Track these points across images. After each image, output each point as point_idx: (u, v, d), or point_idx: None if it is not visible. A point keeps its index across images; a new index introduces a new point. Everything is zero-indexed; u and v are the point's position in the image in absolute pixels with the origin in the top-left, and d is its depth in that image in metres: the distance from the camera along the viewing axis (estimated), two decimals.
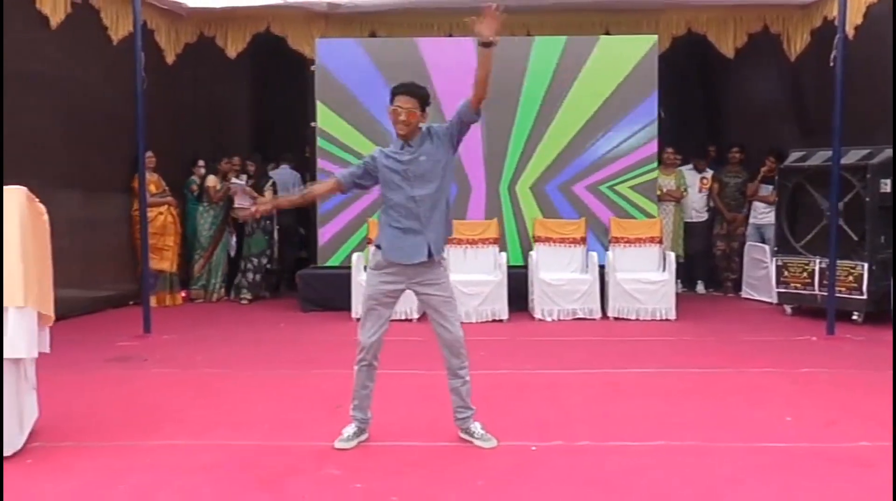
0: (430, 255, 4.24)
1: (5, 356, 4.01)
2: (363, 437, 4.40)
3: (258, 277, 10.28)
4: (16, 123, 7.85)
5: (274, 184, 10.37)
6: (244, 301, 10.09)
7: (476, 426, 4.35)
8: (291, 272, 11.03)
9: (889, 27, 8.38)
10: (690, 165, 10.65)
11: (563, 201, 9.41)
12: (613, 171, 9.40)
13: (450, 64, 9.14)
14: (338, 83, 9.44)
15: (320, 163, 9.50)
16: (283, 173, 11.06)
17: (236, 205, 10.15)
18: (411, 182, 4.23)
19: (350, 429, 4.36)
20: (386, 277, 4.31)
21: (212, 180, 10.23)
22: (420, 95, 4.23)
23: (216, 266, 10.33)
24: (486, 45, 4.20)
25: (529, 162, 9.43)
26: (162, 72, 10.21)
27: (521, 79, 9.35)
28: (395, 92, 4.22)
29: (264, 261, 10.32)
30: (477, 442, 4.28)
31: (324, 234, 9.58)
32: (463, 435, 4.37)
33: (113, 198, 9.54)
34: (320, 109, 9.49)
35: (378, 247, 4.37)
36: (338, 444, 4.28)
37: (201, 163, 10.31)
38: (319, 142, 9.52)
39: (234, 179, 10.21)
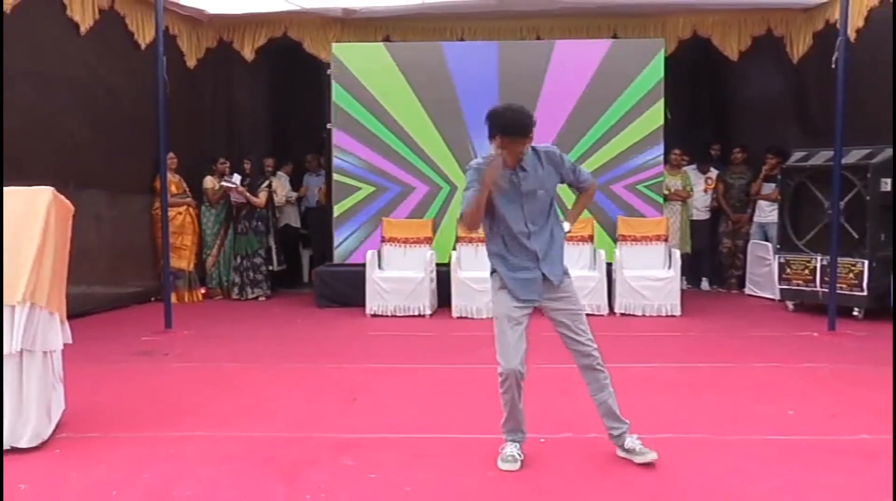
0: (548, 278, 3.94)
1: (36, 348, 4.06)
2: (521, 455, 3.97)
3: (258, 275, 10.16)
4: (48, 124, 7.98)
5: (269, 185, 10.34)
6: (261, 298, 10.10)
7: (633, 441, 3.93)
8: (290, 273, 11.07)
9: (890, 30, 8.34)
10: (695, 166, 10.63)
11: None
12: (622, 171, 9.40)
13: (472, 68, 9.18)
14: (354, 87, 9.47)
15: (335, 163, 9.54)
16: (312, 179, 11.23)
17: (233, 201, 10.16)
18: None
19: (515, 449, 3.95)
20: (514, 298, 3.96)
21: (209, 182, 10.21)
22: (531, 129, 3.79)
23: (227, 264, 10.32)
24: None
25: None
26: (184, 76, 10.29)
27: (540, 82, 9.31)
28: (511, 131, 3.73)
29: (258, 261, 10.16)
30: (637, 459, 3.86)
31: (340, 232, 9.60)
32: (620, 454, 3.96)
33: (137, 198, 9.61)
34: (335, 111, 9.52)
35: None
36: (506, 466, 3.85)
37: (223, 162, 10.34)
38: (335, 146, 9.55)
39: (224, 180, 10.13)
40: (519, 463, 3.85)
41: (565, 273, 4.02)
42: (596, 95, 9.33)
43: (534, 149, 3.88)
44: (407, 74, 9.39)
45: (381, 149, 9.47)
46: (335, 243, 9.65)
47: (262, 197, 10.13)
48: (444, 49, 9.51)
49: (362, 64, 9.50)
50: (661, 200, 9.55)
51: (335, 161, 9.57)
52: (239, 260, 10.14)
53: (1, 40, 7.11)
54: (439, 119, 9.39)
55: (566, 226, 4.10)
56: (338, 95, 9.50)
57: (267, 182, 10.33)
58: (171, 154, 9.10)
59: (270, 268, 10.29)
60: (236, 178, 10.08)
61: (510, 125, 3.74)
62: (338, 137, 9.54)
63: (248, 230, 10.13)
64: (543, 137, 9.10)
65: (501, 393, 3.88)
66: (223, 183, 10.07)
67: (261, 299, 10.09)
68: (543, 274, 3.90)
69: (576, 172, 4.07)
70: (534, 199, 3.88)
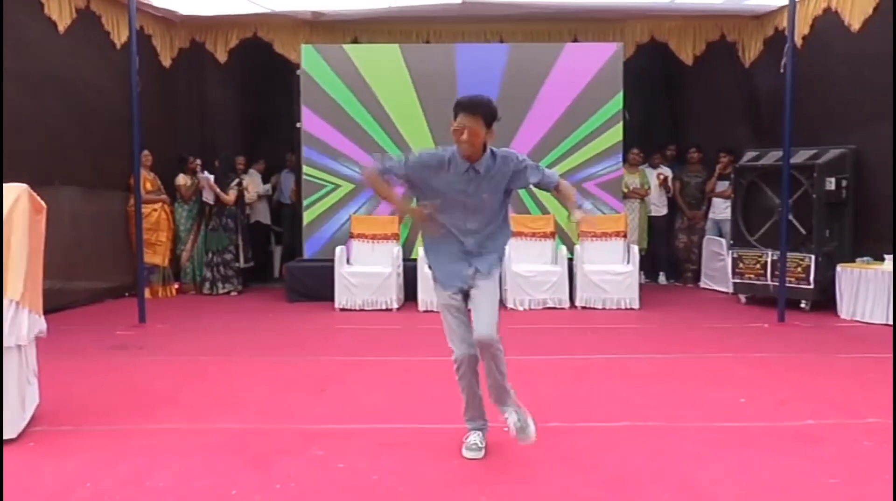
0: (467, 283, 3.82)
1: (10, 343, 3.99)
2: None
3: (229, 271, 10.09)
4: (29, 122, 7.85)
5: (240, 183, 10.25)
6: (233, 293, 10.02)
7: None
8: (261, 269, 11.00)
9: (833, 37, 8.49)
10: (646, 164, 10.73)
11: (534, 197, 9.44)
12: (582, 170, 9.44)
13: (433, 70, 9.17)
14: (323, 87, 9.42)
15: (305, 158, 9.50)
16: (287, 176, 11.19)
17: (204, 198, 10.07)
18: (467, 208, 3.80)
19: (480, 437, 3.94)
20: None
21: (181, 179, 10.10)
22: (483, 111, 3.63)
23: (199, 259, 10.21)
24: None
25: None
26: (160, 75, 10.19)
27: (497, 84, 9.33)
28: (459, 105, 3.64)
29: (228, 257, 10.08)
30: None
31: (310, 228, 9.55)
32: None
33: (114, 194, 9.48)
34: (305, 111, 9.47)
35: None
36: (469, 454, 3.84)
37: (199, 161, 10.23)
38: (304, 144, 9.50)
39: (201, 174, 10.04)
40: (482, 452, 3.86)
41: (494, 264, 3.86)
42: (553, 97, 9.37)
43: (493, 151, 3.78)
44: (371, 75, 9.35)
45: (348, 147, 9.42)
46: (304, 238, 9.60)
47: (231, 195, 10.03)
48: (403, 51, 9.45)
49: (331, 65, 9.45)
50: (619, 198, 9.62)
51: (305, 158, 9.51)
52: (210, 256, 10.05)
53: (1, 44, 7.01)
54: (400, 119, 9.37)
55: (577, 214, 3.88)
56: (307, 94, 9.45)
57: (237, 180, 10.24)
58: (145, 152, 9.02)
59: (237, 265, 10.20)
60: (208, 175, 9.99)
61: (460, 101, 3.66)
62: (307, 136, 9.48)
63: (218, 227, 10.05)
64: (505, 138, 9.27)
65: (458, 380, 3.85)
66: (201, 176, 9.98)
67: (232, 294, 10.02)
68: (476, 268, 3.79)
69: (540, 171, 3.94)
70: (479, 201, 3.77)
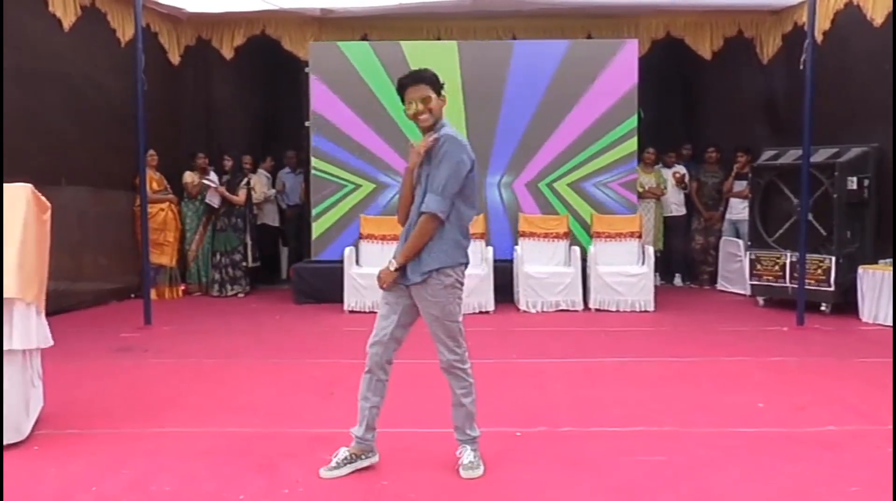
0: (404, 274, 3.61)
1: (11, 347, 4.01)
2: (358, 463, 3.71)
3: (237, 272, 10.13)
4: (34, 120, 7.91)
5: (248, 183, 10.29)
6: (240, 295, 10.06)
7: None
8: (269, 270, 11.02)
9: (854, 32, 8.44)
10: (661, 163, 10.71)
11: (548, 197, 9.44)
12: (596, 169, 9.43)
13: (436, 66, 9.16)
14: (332, 84, 9.44)
15: (314, 160, 9.52)
16: (288, 176, 11.23)
17: (206, 200, 10.08)
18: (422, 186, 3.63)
19: (341, 453, 3.73)
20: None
21: (188, 177, 10.15)
22: (428, 78, 3.57)
23: (206, 260, 10.25)
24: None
25: (516, 160, 9.45)
26: (167, 73, 10.25)
27: (504, 81, 9.36)
28: (402, 85, 3.60)
29: (237, 258, 10.13)
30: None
31: (318, 229, 9.57)
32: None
33: (120, 194, 9.53)
34: (313, 108, 9.50)
35: None
36: (324, 473, 3.65)
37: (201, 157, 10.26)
38: (313, 143, 9.53)
39: (204, 178, 10.06)
40: (338, 472, 3.66)
41: (427, 274, 3.56)
42: (569, 94, 9.37)
43: (440, 130, 3.60)
44: (378, 73, 9.36)
45: (357, 146, 9.44)
46: (313, 239, 9.63)
47: (241, 195, 10.08)
48: (404, 49, 9.38)
49: (339, 62, 9.46)
50: (633, 198, 9.59)
51: (313, 158, 9.54)
52: (218, 257, 10.09)
53: (1, 42, 7.05)
54: (401, 117, 9.33)
55: (392, 263, 3.61)
56: (316, 92, 9.47)
57: (246, 180, 10.28)
58: (151, 151, 9.06)
59: (246, 265, 10.22)
60: (213, 177, 10.02)
61: (400, 79, 3.62)
62: (316, 134, 9.50)
63: (226, 227, 10.09)
64: (509, 136, 9.25)
65: (363, 379, 3.80)
66: (204, 181, 10.01)
67: (240, 295, 10.05)
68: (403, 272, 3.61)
69: (438, 178, 3.52)
70: (423, 181, 3.61)
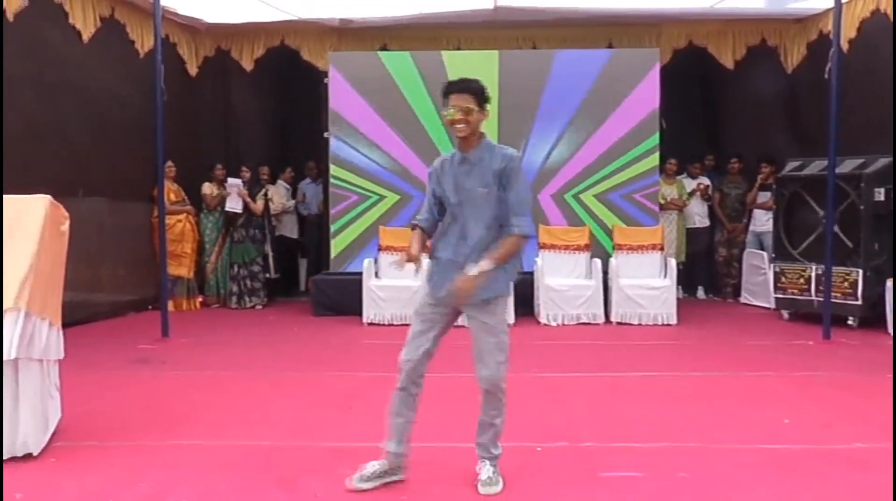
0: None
1: (31, 355, 4.04)
2: (389, 478, 3.73)
3: (255, 284, 10.16)
4: (52, 131, 8.01)
5: (266, 193, 10.34)
6: (258, 307, 10.11)
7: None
8: (287, 282, 11.05)
9: (882, 40, 8.38)
10: (685, 174, 10.67)
11: (569, 208, 9.44)
12: (618, 180, 9.42)
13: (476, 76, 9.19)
14: (351, 95, 9.49)
15: (333, 171, 9.56)
16: (308, 187, 11.29)
17: (227, 208, 10.11)
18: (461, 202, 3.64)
19: (373, 466, 3.74)
20: (429, 297, 3.74)
21: (207, 187, 10.22)
22: (474, 89, 3.58)
23: (224, 272, 10.28)
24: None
25: (544, 172, 9.49)
26: (186, 84, 10.32)
27: (538, 92, 9.40)
28: (447, 90, 3.61)
29: (256, 269, 10.16)
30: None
31: (337, 241, 9.61)
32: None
33: (138, 205, 9.62)
34: (333, 119, 9.55)
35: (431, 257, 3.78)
36: (355, 483, 3.67)
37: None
38: (332, 154, 9.57)
39: (230, 180, 10.10)
40: (372, 483, 3.67)
41: (486, 300, 3.60)
42: (591, 105, 9.39)
43: (491, 144, 3.66)
44: (403, 83, 9.42)
45: (378, 157, 9.50)
46: (332, 251, 9.66)
47: (259, 205, 10.14)
48: (443, 58, 9.50)
49: (359, 72, 9.53)
50: (656, 209, 9.57)
51: (332, 169, 9.59)
52: (236, 269, 10.13)
53: (1, 47, 7.14)
54: (434, 128, 9.39)
55: (471, 268, 3.50)
56: (335, 102, 9.53)
57: (264, 190, 10.33)
58: (169, 162, 9.11)
59: (268, 276, 10.26)
60: (239, 181, 10.09)
61: (448, 83, 3.65)
62: (335, 145, 9.55)
63: (244, 239, 10.13)
64: (540, 148, 9.27)
65: (394, 390, 3.80)
66: (229, 183, 10.04)
67: (258, 307, 10.09)
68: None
69: (514, 196, 3.57)
70: (473, 197, 3.59)
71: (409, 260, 3.69)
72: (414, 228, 3.86)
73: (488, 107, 3.65)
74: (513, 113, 9.27)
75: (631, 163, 9.40)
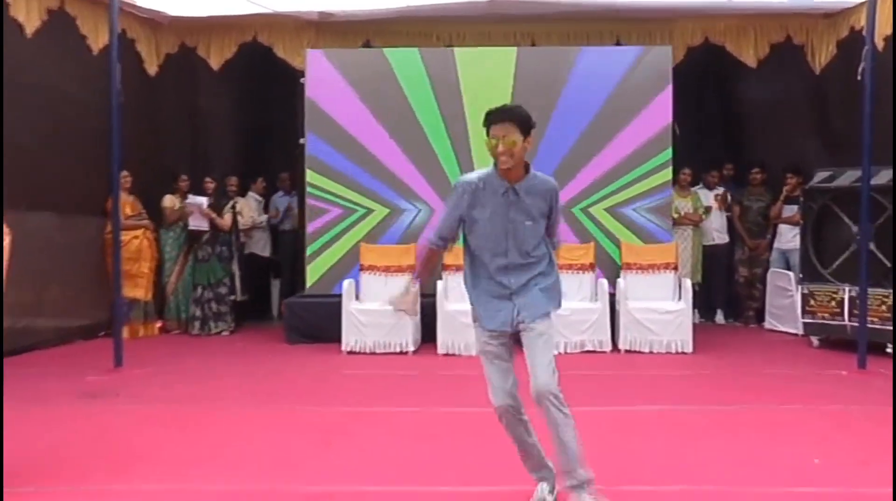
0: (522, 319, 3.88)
1: None
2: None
3: (222, 307, 10.08)
4: None
5: (234, 206, 10.30)
6: (225, 333, 10.03)
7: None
8: (258, 305, 11.02)
9: None
10: (700, 184, 10.68)
11: (572, 223, 9.42)
12: (625, 192, 9.43)
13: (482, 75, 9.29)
14: (331, 97, 9.48)
15: (310, 181, 9.55)
16: (281, 200, 11.30)
17: (191, 226, 10.06)
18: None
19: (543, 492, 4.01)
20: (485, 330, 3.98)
21: (168, 200, 10.18)
22: (517, 117, 3.80)
23: (186, 294, 10.21)
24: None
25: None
26: (145, 84, 10.30)
27: (556, 94, 9.41)
28: (489, 120, 3.83)
29: (223, 291, 10.09)
30: None
31: (317, 264, 9.55)
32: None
33: (90, 220, 9.56)
34: (310, 124, 9.54)
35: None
36: None
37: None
38: (309, 162, 9.56)
39: (190, 197, 10.06)
40: None
41: (543, 315, 3.92)
42: (593, 107, 9.42)
43: (535, 175, 3.91)
44: (392, 83, 9.42)
45: (363, 166, 9.46)
46: (308, 271, 9.61)
47: (227, 219, 10.10)
48: (455, 55, 9.51)
49: (341, 72, 9.52)
50: (668, 224, 9.58)
51: (309, 179, 9.55)
52: (200, 291, 10.04)
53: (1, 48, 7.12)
54: (433, 133, 9.40)
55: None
56: (313, 106, 9.52)
57: (231, 203, 10.29)
58: (124, 172, 9.03)
59: (234, 298, 10.21)
60: (202, 199, 10.04)
61: (490, 111, 3.82)
62: (313, 152, 9.53)
63: (210, 256, 10.06)
64: (550, 155, 9.24)
65: (506, 432, 3.98)
66: (188, 201, 10.01)
67: (224, 333, 10.02)
68: (520, 310, 3.88)
69: (553, 220, 4.02)
70: (521, 229, 3.87)
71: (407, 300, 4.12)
72: (431, 250, 4.11)
73: (532, 135, 3.85)
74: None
75: (643, 177, 9.40)
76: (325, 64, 9.56)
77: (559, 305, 4.02)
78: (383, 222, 9.52)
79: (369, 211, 9.52)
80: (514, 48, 9.76)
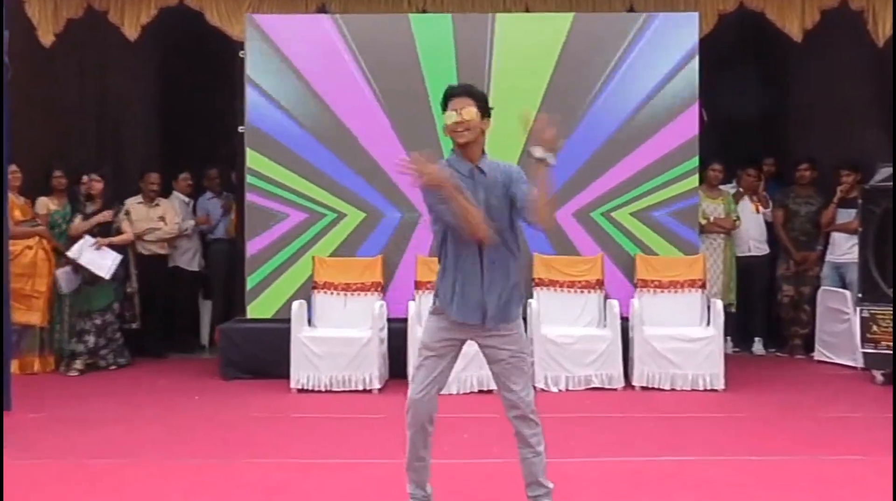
0: (484, 319, 4.47)
1: None
2: None
3: (100, 340, 9.81)
4: None
5: (128, 213, 10.22)
6: (73, 372, 9.63)
7: None
8: (187, 333, 11.02)
9: None
10: (733, 184, 10.73)
11: (578, 231, 9.46)
12: (642, 192, 9.48)
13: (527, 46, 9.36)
14: (278, 74, 9.51)
15: (249, 180, 9.56)
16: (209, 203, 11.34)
17: (62, 290, 9.79)
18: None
19: None
20: (442, 322, 4.57)
21: (42, 204, 10.08)
22: (476, 94, 4.47)
23: (62, 321, 10.03)
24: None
25: (569, 185, 9.42)
26: (39, 57, 10.21)
27: (603, 67, 9.46)
28: (448, 94, 4.48)
29: (109, 318, 9.90)
30: None
31: (256, 275, 9.55)
32: None
33: None
34: (251, 108, 9.55)
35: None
36: None
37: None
38: (250, 155, 9.57)
39: (70, 252, 9.66)
40: None
41: (515, 321, 4.56)
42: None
43: (495, 160, 4.58)
44: (352, 56, 9.43)
45: (314, 159, 9.46)
46: (248, 289, 9.61)
47: (127, 232, 10.01)
48: (494, 21, 9.49)
49: (289, 43, 9.53)
50: (694, 233, 9.63)
51: (249, 177, 9.56)
52: (83, 321, 9.79)
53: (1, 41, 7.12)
54: (397, 118, 9.41)
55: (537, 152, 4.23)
56: (254, 85, 9.54)
57: (124, 209, 10.21)
58: (13, 167, 8.95)
59: (133, 326, 10.20)
60: (88, 241, 9.69)
61: (450, 87, 4.53)
62: (254, 144, 9.54)
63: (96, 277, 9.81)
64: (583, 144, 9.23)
65: (407, 428, 4.58)
66: (73, 249, 9.67)
67: (72, 373, 9.62)
68: (485, 304, 4.44)
69: (521, 189, 4.43)
70: (489, 210, 4.41)
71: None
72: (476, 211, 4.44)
73: (490, 120, 4.52)
74: (562, 99, 9.23)
75: (659, 168, 9.48)
76: (270, 32, 9.58)
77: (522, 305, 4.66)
78: (357, 230, 9.52)
79: (341, 215, 9.52)
80: (571, 13, 9.74)
